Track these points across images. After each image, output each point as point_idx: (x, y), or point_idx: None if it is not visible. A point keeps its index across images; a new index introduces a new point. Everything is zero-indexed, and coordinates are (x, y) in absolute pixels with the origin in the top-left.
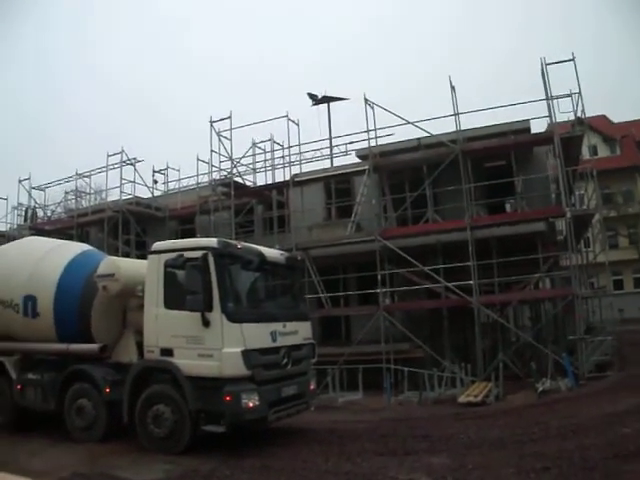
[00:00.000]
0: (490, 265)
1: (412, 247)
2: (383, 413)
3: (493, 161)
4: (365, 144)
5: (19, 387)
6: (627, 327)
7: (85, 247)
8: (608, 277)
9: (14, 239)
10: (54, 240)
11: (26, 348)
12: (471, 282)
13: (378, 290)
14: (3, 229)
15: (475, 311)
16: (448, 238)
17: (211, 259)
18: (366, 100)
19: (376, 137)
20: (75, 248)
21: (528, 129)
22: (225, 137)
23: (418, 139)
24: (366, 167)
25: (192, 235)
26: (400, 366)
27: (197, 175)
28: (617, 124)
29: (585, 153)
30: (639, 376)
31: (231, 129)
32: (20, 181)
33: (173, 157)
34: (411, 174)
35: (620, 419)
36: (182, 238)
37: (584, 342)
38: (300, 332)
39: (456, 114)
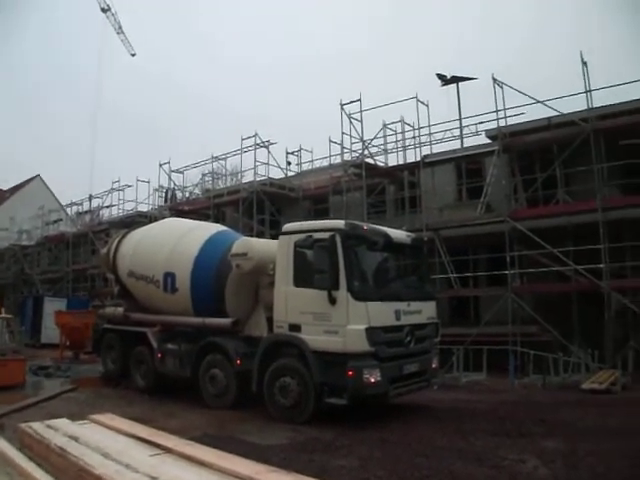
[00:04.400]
0: (623, 248)
1: (542, 229)
2: (505, 395)
3: (630, 139)
4: (495, 124)
5: (159, 355)
6: None
7: (221, 227)
8: None
9: (155, 219)
10: (192, 221)
11: (166, 320)
12: (602, 266)
13: (507, 272)
14: (145, 210)
15: (605, 296)
16: (579, 220)
17: (338, 240)
18: (494, 80)
19: (505, 117)
20: (211, 228)
21: None
22: (355, 119)
23: (548, 118)
24: (496, 147)
25: (325, 214)
26: (526, 349)
27: (329, 156)
28: None
29: None
30: None
31: (361, 111)
32: (160, 165)
33: (305, 139)
34: (541, 154)
35: None
36: (315, 217)
37: None
38: (424, 311)
39: (587, 91)
